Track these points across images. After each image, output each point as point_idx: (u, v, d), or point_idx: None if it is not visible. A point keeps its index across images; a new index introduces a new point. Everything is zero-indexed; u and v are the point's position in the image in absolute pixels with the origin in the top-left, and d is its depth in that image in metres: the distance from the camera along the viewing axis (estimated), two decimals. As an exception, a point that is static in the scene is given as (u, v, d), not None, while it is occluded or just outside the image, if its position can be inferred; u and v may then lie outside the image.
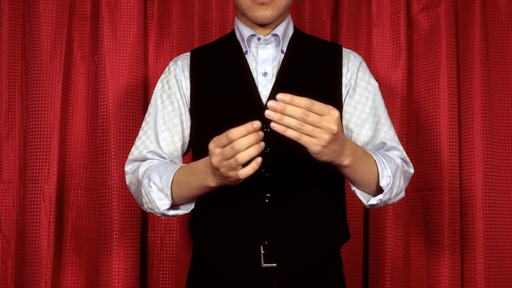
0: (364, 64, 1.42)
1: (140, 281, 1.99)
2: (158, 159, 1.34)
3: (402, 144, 1.42)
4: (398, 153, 1.34)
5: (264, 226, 1.27)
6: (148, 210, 1.29)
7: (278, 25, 1.38)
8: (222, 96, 1.34)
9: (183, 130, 1.36)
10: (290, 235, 1.28)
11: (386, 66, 2.09)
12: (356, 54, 1.43)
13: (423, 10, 2.10)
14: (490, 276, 1.95)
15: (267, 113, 1.01)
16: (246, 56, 1.37)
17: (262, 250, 1.27)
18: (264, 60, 1.36)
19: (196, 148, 1.38)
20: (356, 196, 1.29)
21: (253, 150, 1.03)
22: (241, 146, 1.02)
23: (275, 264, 1.27)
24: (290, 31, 1.41)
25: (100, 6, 2.00)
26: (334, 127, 1.03)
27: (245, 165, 1.04)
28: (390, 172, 1.23)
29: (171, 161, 1.35)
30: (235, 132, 1.02)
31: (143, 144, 1.36)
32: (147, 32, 2.09)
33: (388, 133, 1.36)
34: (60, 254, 1.99)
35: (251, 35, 1.37)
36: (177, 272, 2.01)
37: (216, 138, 1.06)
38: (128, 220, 1.93)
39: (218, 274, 1.32)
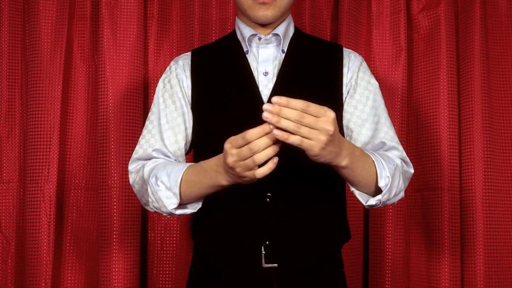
0: (364, 64, 1.42)
1: (140, 281, 1.99)
2: (163, 158, 1.33)
3: (402, 144, 1.42)
4: (397, 153, 1.34)
5: (265, 225, 1.27)
6: (153, 210, 1.29)
7: (279, 24, 1.38)
8: (223, 95, 1.34)
9: (186, 129, 1.36)
10: (291, 235, 1.28)
11: (386, 66, 2.09)
12: (357, 54, 1.43)
13: (423, 10, 2.10)
14: (490, 276, 1.95)
15: (265, 115, 1.01)
16: (247, 55, 1.37)
17: (263, 250, 1.27)
18: (265, 59, 1.36)
19: (197, 147, 1.38)
20: (356, 196, 1.29)
21: (270, 151, 1.05)
22: (259, 147, 1.04)
23: (276, 265, 1.27)
24: (291, 31, 1.41)
25: (100, 6, 2.00)
26: (330, 128, 1.04)
27: (261, 164, 1.06)
28: (388, 173, 1.23)
29: (175, 160, 1.35)
30: (252, 133, 1.04)
31: (147, 142, 1.35)
32: (147, 32, 2.09)
33: (388, 133, 1.36)
34: (60, 254, 1.99)
35: (252, 35, 1.37)
36: (177, 272, 2.01)
37: (232, 139, 1.07)
38: (128, 220, 1.93)
39: (218, 274, 1.32)
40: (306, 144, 1.04)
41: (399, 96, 2.05)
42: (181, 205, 1.26)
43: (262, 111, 1.28)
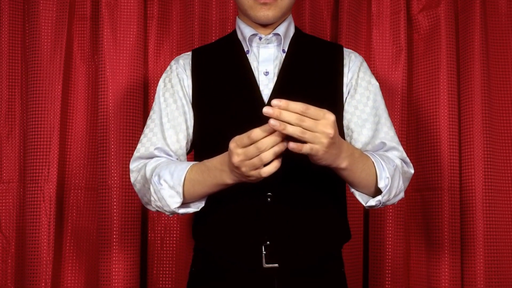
0: (365, 64, 1.42)
1: (140, 281, 1.99)
2: (165, 157, 1.33)
3: (402, 144, 1.42)
4: (397, 154, 1.34)
5: (265, 225, 1.27)
6: (155, 209, 1.29)
7: (280, 24, 1.38)
8: (223, 95, 1.34)
9: (187, 128, 1.36)
10: (292, 235, 1.28)
11: (386, 66, 2.09)
12: (357, 54, 1.44)
13: (423, 10, 2.10)
14: (490, 276, 1.95)
15: (272, 122, 1.01)
16: (247, 55, 1.37)
17: (263, 250, 1.27)
18: (265, 59, 1.36)
19: (198, 146, 1.38)
20: (356, 197, 1.29)
21: (277, 149, 1.05)
22: (266, 146, 1.05)
23: (276, 265, 1.27)
24: (292, 31, 1.41)
25: (100, 6, 2.00)
26: (330, 131, 1.05)
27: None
28: (388, 174, 1.23)
29: (177, 159, 1.35)
30: (258, 132, 1.04)
31: (149, 141, 1.35)
32: (147, 32, 2.09)
33: (388, 133, 1.36)
34: (60, 254, 1.99)
35: (253, 35, 1.37)
36: (177, 272, 2.01)
37: (237, 138, 1.07)
38: (128, 220, 1.93)
39: (219, 274, 1.32)
40: (308, 135, 1.04)
41: (399, 96, 2.05)
42: (184, 204, 1.26)
43: (262, 110, 1.29)
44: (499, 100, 2.08)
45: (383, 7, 2.11)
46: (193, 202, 1.27)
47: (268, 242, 1.27)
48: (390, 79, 2.07)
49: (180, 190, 1.22)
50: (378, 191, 1.26)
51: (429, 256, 2.01)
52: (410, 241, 2.07)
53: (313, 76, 1.35)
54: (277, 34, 1.37)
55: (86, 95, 2.06)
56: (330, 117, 1.05)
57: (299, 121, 1.02)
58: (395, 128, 1.98)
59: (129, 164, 1.38)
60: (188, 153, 1.40)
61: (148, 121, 1.39)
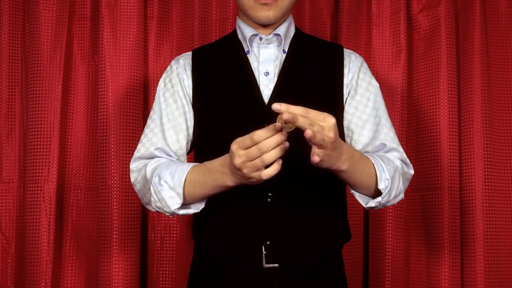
0: (365, 64, 1.42)
1: (140, 281, 1.99)
2: (166, 157, 1.33)
3: (402, 144, 1.42)
4: (398, 155, 1.35)
5: (266, 225, 1.27)
6: (155, 209, 1.29)
7: (280, 25, 1.38)
8: (224, 95, 1.34)
9: (187, 128, 1.36)
10: (292, 235, 1.28)
11: (386, 66, 2.09)
12: (357, 55, 1.44)
13: (423, 10, 2.10)
14: (490, 276, 1.95)
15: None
16: (248, 55, 1.37)
17: (264, 250, 1.27)
18: (266, 59, 1.36)
19: (198, 147, 1.38)
20: (356, 198, 1.30)
21: (279, 151, 1.06)
22: (268, 147, 1.05)
23: (276, 265, 1.27)
24: (292, 31, 1.41)
25: (100, 6, 2.00)
26: (331, 135, 1.05)
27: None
28: (388, 175, 1.24)
29: (177, 159, 1.35)
30: (260, 134, 1.05)
31: (150, 141, 1.35)
32: (147, 32, 2.09)
33: (388, 135, 1.36)
34: (60, 254, 1.99)
35: (253, 35, 1.37)
36: (177, 272, 2.01)
37: (239, 140, 1.07)
38: (128, 220, 1.93)
39: (219, 274, 1.32)
40: (317, 128, 1.04)
41: (399, 96, 2.05)
42: (184, 205, 1.26)
43: (263, 111, 1.29)
44: (499, 100, 2.08)
45: (383, 7, 2.11)
46: (193, 203, 1.27)
47: (268, 242, 1.27)
48: (390, 79, 2.07)
49: (181, 191, 1.22)
50: (378, 192, 1.26)
51: (429, 256, 2.01)
52: (410, 241, 2.07)
53: (313, 77, 1.35)
54: (278, 35, 1.37)
55: (86, 95, 2.06)
56: (331, 120, 1.06)
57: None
58: (395, 128, 1.98)
59: (129, 164, 1.38)
60: (188, 153, 1.40)
61: (149, 121, 1.39)
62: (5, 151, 2.05)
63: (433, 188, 2.01)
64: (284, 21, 1.39)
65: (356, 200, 1.30)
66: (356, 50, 2.06)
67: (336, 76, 1.37)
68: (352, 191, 1.29)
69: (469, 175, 1.99)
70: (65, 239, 2.01)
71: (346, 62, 1.39)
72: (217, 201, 1.28)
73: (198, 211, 1.28)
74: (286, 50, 1.38)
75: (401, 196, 1.31)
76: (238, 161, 1.08)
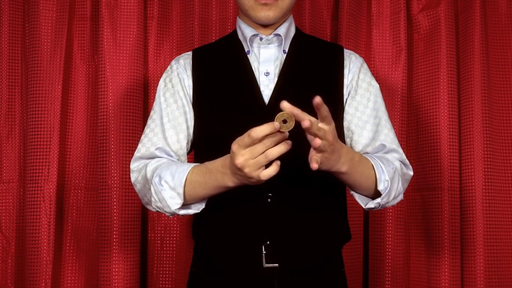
0: (365, 65, 1.42)
1: (140, 281, 1.99)
2: (166, 157, 1.33)
3: (402, 145, 1.42)
4: (397, 156, 1.35)
5: (266, 225, 1.27)
6: (156, 209, 1.29)
7: (281, 25, 1.38)
8: (224, 95, 1.34)
9: (187, 128, 1.36)
10: (292, 235, 1.28)
11: (386, 66, 2.09)
12: (358, 56, 1.44)
13: (423, 10, 2.10)
14: (490, 276, 1.95)
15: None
16: (248, 55, 1.37)
17: (263, 250, 1.27)
18: (266, 60, 1.36)
19: (198, 147, 1.38)
20: (355, 199, 1.30)
21: (282, 147, 1.05)
22: (272, 143, 1.05)
23: (276, 264, 1.27)
24: (292, 31, 1.41)
25: (100, 6, 2.00)
26: (330, 138, 1.06)
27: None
28: (388, 176, 1.24)
29: (177, 159, 1.35)
30: (258, 130, 1.04)
31: (150, 141, 1.35)
32: (147, 32, 2.09)
33: (388, 136, 1.36)
34: (60, 254, 1.99)
35: (254, 35, 1.37)
36: (177, 272, 2.01)
37: (238, 139, 1.07)
38: (128, 220, 1.93)
39: (219, 274, 1.32)
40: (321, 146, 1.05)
41: (399, 96, 2.05)
42: (185, 205, 1.26)
43: (263, 111, 1.29)
44: (499, 100, 2.08)
45: (383, 7, 2.11)
46: (193, 203, 1.27)
47: (268, 242, 1.27)
48: (390, 79, 2.07)
49: (181, 191, 1.22)
50: (377, 193, 1.26)
51: (429, 256, 2.01)
52: (410, 241, 2.07)
53: (313, 77, 1.35)
54: (278, 35, 1.37)
55: (86, 95, 2.06)
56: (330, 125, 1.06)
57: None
58: (395, 128, 1.98)
59: (129, 164, 1.38)
60: (188, 153, 1.40)
61: (149, 121, 1.39)
62: (5, 151, 2.05)
63: (433, 188, 2.01)
64: (284, 21, 1.39)
65: (356, 201, 1.31)
66: (356, 50, 2.06)
67: (336, 77, 1.37)
68: (352, 192, 1.30)
69: (469, 175, 1.99)
70: (65, 239, 2.01)
71: (346, 62, 1.40)
72: (217, 201, 1.28)
73: (199, 211, 1.28)
74: (287, 50, 1.38)
75: (400, 197, 1.32)
76: (240, 159, 1.07)
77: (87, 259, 2.01)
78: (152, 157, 1.33)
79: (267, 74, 1.35)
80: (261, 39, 1.37)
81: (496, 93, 2.08)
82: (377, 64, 2.09)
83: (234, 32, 1.44)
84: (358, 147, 1.36)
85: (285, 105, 1.02)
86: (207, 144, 1.34)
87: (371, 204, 1.27)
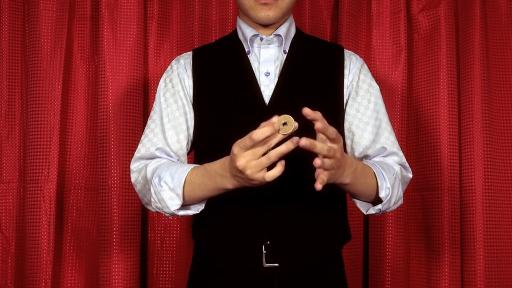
0: (365, 66, 1.42)
1: (140, 281, 1.99)
2: (166, 158, 1.33)
3: (401, 145, 1.43)
4: (397, 159, 1.36)
5: (266, 225, 1.27)
6: (155, 210, 1.28)
7: (281, 25, 1.38)
8: (224, 95, 1.34)
9: (187, 128, 1.36)
10: (292, 235, 1.28)
11: (386, 66, 2.09)
12: (358, 56, 1.44)
13: (423, 10, 2.10)
14: (490, 276, 1.95)
15: (306, 111, 1.01)
16: (248, 56, 1.37)
17: (264, 250, 1.27)
18: (266, 60, 1.36)
19: (198, 147, 1.38)
20: (356, 206, 1.31)
21: (284, 147, 1.04)
22: (274, 144, 1.05)
23: (277, 264, 1.27)
24: (292, 31, 1.41)
25: (100, 6, 2.00)
26: (338, 156, 1.06)
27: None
28: (389, 184, 1.25)
29: (177, 159, 1.35)
30: (259, 133, 1.03)
31: (150, 141, 1.35)
32: (147, 32, 2.09)
33: (389, 138, 1.37)
34: (60, 254, 1.99)
35: (254, 35, 1.37)
36: (177, 272, 2.01)
37: (239, 141, 1.07)
38: (128, 220, 1.93)
39: (219, 273, 1.32)
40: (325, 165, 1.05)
41: (399, 96, 2.05)
42: (184, 206, 1.26)
43: (263, 111, 1.29)
44: (499, 100, 2.08)
45: (383, 7, 2.11)
46: (193, 204, 1.27)
47: (268, 242, 1.27)
48: (390, 79, 2.07)
49: (180, 192, 1.22)
50: (378, 199, 1.27)
51: (429, 256, 2.01)
52: (410, 241, 2.07)
53: (314, 77, 1.35)
54: (278, 35, 1.37)
55: (86, 95, 2.06)
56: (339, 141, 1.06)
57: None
58: (395, 129, 1.98)
59: (129, 164, 1.38)
60: (188, 153, 1.40)
61: (149, 121, 1.39)
62: (5, 151, 2.05)
63: (433, 188, 2.01)
64: (284, 21, 1.39)
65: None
66: (356, 50, 2.06)
67: (337, 77, 1.37)
68: (353, 199, 1.31)
69: (469, 175, 1.99)
70: (65, 239, 2.01)
71: (346, 63, 1.40)
72: (217, 201, 1.28)
73: (198, 212, 1.28)
74: (287, 50, 1.38)
75: (400, 201, 1.33)
76: (242, 161, 1.07)
77: (87, 259, 2.01)
78: (152, 157, 1.33)
79: (267, 74, 1.35)
80: (261, 39, 1.37)
81: (496, 93, 2.08)
82: (377, 64, 2.09)
83: (234, 32, 1.44)
84: (359, 148, 1.36)
85: (307, 111, 1.00)
86: (207, 144, 1.34)
87: (372, 210, 1.28)
